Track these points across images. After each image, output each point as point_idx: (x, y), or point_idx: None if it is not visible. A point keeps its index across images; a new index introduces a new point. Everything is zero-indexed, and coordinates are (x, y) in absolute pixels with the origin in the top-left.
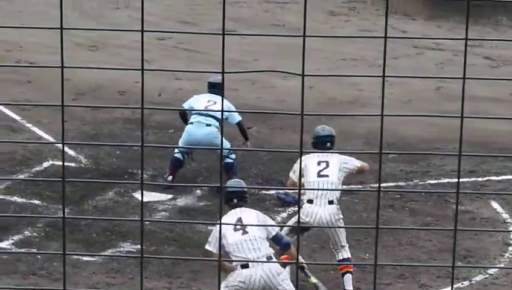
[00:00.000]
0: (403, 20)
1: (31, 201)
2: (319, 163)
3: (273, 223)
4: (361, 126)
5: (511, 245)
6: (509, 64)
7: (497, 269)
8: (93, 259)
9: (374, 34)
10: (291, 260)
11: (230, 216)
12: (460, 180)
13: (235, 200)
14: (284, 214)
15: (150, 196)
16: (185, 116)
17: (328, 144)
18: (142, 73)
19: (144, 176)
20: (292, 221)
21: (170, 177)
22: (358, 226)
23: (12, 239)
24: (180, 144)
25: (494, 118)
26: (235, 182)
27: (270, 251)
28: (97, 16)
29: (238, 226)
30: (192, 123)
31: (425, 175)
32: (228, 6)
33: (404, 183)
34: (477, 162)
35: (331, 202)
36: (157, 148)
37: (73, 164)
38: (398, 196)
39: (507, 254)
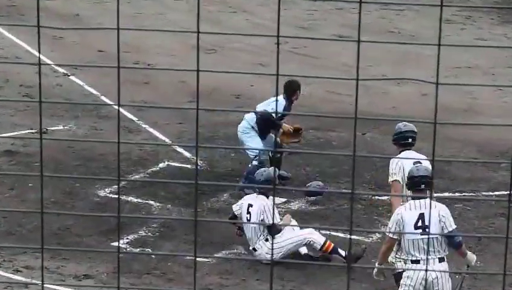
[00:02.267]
0: None
1: (147, 201)
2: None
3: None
4: (476, 134)
5: None
6: None
7: None
8: (207, 260)
9: (490, 42)
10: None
11: (413, 210)
12: None
13: (423, 186)
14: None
15: None
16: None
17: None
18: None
19: None
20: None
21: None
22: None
23: (127, 238)
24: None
25: None
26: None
27: (443, 253)
28: (215, 20)
29: (419, 224)
30: None
31: None
32: (346, 13)
33: None
34: None
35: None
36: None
37: (188, 166)
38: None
39: None
